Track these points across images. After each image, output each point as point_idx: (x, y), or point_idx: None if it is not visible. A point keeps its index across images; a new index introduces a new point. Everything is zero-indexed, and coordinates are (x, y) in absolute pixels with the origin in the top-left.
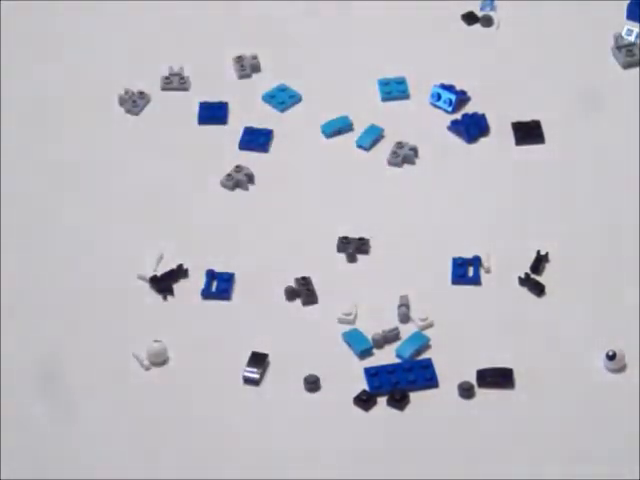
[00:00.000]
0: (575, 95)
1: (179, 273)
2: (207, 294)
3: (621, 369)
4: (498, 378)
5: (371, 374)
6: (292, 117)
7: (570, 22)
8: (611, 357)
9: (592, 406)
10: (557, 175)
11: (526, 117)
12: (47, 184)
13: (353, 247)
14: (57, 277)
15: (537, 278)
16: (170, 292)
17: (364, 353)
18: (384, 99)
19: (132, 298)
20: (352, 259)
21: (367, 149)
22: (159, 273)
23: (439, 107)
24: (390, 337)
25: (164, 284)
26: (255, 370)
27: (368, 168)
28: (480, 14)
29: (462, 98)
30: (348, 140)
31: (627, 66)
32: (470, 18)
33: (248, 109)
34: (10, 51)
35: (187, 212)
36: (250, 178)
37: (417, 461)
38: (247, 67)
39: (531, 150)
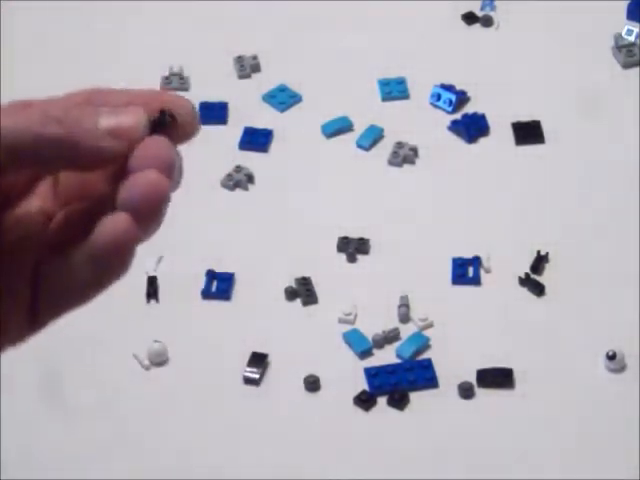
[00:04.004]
0: (575, 95)
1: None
2: (207, 294)
3: (621, 369)
4: (498, 378)
5: (371, 374)
6: (292, 117)
7: (570, 22)
8: (611, 357)
9: (592, 406)
10: (557, 175)
11: (526, 117)
12: None
13: (353, 247)
14: None
15: (537, 278)
16: (155, 297)
17: (364, 353)
18: (384, 99)
19: (132, 298)
20: (352, 259)
21: (367, 149)
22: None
23: (439, 107)
24: (390, 337)
25: (151, 288)
26: (255, 370)
27: (368, 168)
28: (480, 14)
29: (462, 98)
30: (348, 140)
31: (627, 66)
32: (470, 18)
33: (248, 109)
34: (10, 51)
35: (187, 212)
36: (250, 178)
37: (417, 461)
38: (247, 67)
39: (531, 150)
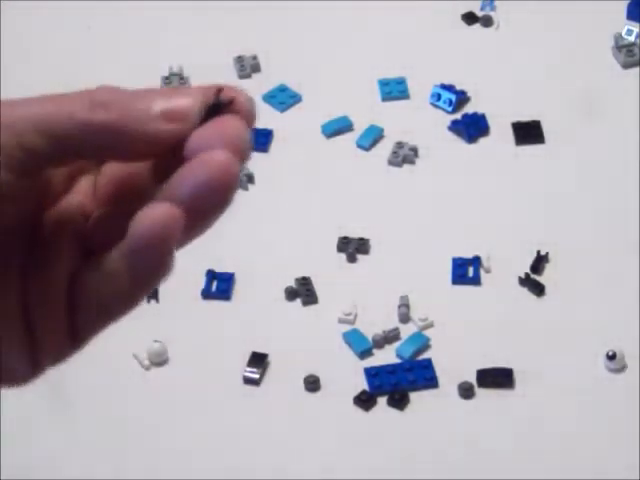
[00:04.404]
0: (575, 95)
1: None
2: (207, 294)
3: (621, 369)
4: (498, 378)
5: (371, 374)
6: (292, 117)
7: (570, 22)
8: (611, 357)
9: (592, 406)
10: (557, 175)
11: (526, 117)
12: None
13: (353, 247)
14: None
15: (537, 278)
16: (155, 297)
17: (364, 353)
18: (384, 99)
19: None
20: (352, 259)
21: (367, 149)
22: None
23: (439, 107)
24: (390, 337)
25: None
26: (255, 370)
27: (368, 168)
28: (480, 14)
29: (462, 98)
30: (348, 140)
31: (627, 66)
32: (470, 18)
33: None
34: (10, 51)
35: None
36: (250, 178)
37: (417, 461)
38: (247, 67)
39: (531, 150)
